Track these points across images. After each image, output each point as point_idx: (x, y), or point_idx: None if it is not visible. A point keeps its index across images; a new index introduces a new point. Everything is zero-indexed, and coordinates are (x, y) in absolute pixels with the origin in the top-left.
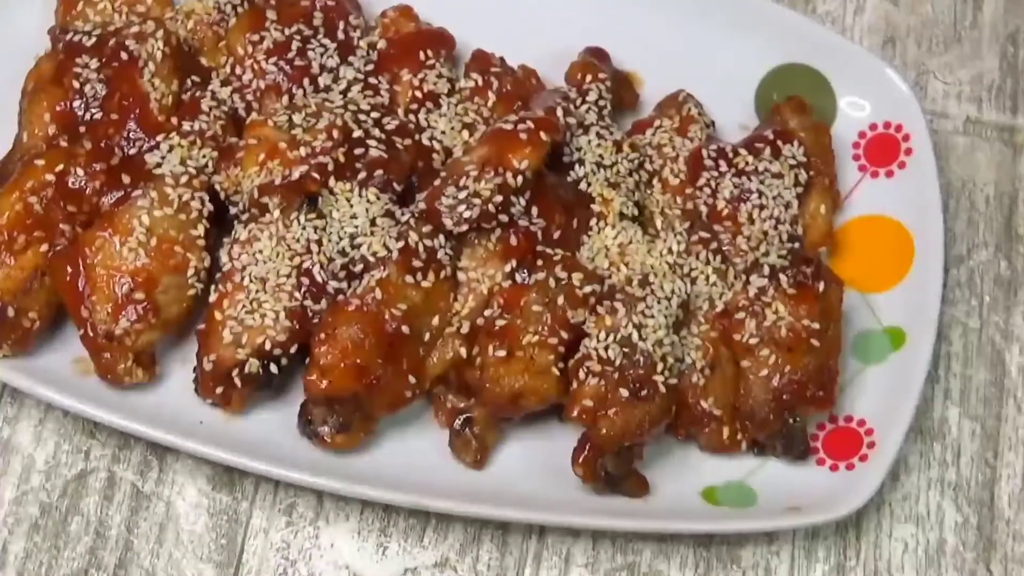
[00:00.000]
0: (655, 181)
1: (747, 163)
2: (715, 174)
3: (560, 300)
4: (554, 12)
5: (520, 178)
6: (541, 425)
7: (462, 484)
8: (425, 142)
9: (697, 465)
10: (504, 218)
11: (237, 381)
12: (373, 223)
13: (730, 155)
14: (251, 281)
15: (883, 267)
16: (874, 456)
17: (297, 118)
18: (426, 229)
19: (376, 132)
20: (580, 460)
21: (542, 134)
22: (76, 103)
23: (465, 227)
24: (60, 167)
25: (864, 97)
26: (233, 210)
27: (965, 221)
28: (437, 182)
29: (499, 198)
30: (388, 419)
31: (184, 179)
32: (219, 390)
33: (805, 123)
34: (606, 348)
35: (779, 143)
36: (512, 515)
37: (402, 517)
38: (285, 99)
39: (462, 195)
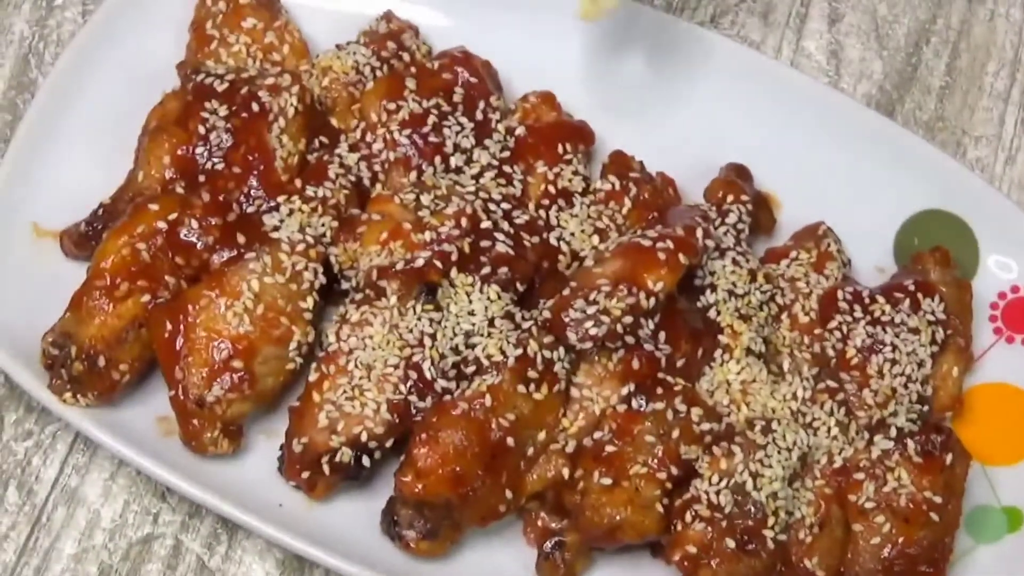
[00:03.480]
0: (784, 316)
1: (883, 312)
2: (848, 319)
3: (675, 434)
4: (697, 120)
5: (653, 300)
6: (632, 557)
7: None
8: (552, 242)
9: None
10: (630, 339)
11: (326, 468)
12: (491, 323)
13: (866, 301)
14: (356, 366)
15: (1008, 440)
16: None
17: (425, 199)
18: (547, 340)
19: (505, 225)
20: None
21: (680, 256)
22: (199, 149)
23: (590, 344)
24: (174, 215)
25: (1011, 256)
26: (344, 285)
27: None
28: (566, 292)
29: (629, 319)
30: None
31: (300, 247)
32: (305, 475)
33: (947, 277)
34: (717, 493)
35: (920, 296)
36: None
37: None
38: (413, 175)
39: (591, 310)
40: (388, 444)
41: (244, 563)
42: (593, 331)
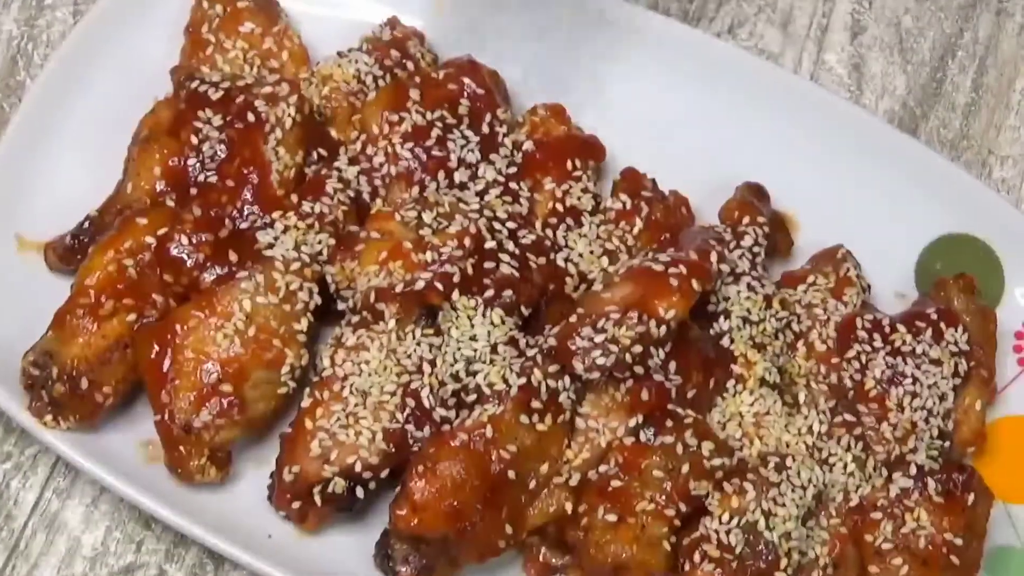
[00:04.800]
0: (800, 344)
1: (904, 342)
2: (867, 348)
3: (684, 468)
4: (712, 136)
5: (664, 328)
6: None
7: None
8: (560, 263)
9: None
10: (639, 369)
11: (317, 499)
12: (494, 350)
13: (886, 329)
14: (352, 393)
15: None
16: None
17: (427, 216)
18: (552, 368)
19: (510, 245)
20: None
21: (694, 282)
22: (191, 161)
23: (597, 374)
24: (163, 230)
25: None
26: (341, 306)
27: None
28: (573, 318)
29: (639, 348)
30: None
31: (295, 266)
32: (296, 505)
33: (971, 305)
34: (728, 532)
35: (942, 326)
36: None
37: None
38: (415, 191)
39: (599, 339)
40: (383, 475)
41: None
42: (601, 361)
